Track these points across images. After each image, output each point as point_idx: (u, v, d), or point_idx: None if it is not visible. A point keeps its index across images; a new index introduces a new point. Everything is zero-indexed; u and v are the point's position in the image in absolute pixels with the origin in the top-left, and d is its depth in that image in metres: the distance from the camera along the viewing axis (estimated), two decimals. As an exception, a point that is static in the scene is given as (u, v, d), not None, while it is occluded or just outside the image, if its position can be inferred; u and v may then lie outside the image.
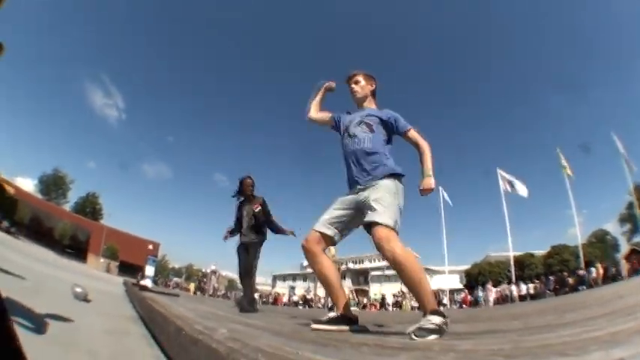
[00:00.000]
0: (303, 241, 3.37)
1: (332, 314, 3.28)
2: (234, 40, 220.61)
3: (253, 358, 1.35)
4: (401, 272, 2.80)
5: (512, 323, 3.42)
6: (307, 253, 3.37)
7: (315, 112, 4.19)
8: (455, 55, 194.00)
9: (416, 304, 28.36)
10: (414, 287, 2.79)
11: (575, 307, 4.59)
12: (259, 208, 7.74)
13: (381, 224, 2.92)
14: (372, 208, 3.05)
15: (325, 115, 4.11)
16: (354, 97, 3.89)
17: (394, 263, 2.80)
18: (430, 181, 3.33)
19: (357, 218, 3.35)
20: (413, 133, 3.57)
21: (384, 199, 3.06)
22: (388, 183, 3.21)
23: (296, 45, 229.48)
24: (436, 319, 2.42)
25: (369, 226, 3.05)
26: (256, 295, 40.59)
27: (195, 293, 34.79)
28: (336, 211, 3.41)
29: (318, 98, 4.24)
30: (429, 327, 2.37)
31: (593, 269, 26.10)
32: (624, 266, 24.75)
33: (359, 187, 3.33)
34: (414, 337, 2.31)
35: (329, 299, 25.78)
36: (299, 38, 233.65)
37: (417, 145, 3.54)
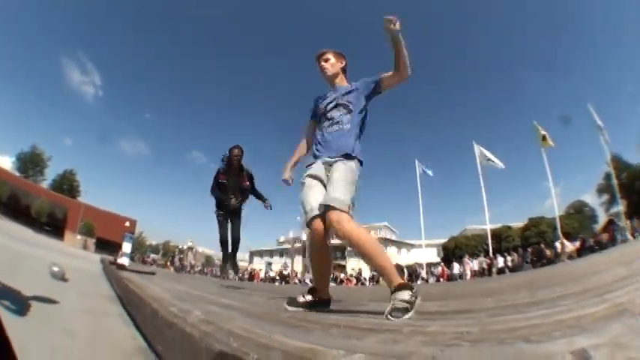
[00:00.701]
0: (313, 226, 3.13)
1: (309, 297, 3.31)
2: (210, 15, 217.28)
3: (225, 342, 1.38)
4: (358, 251, 2.82)
5: (484, 301, 3.48)
6: (317, 240, 3.17)
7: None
8: (430, 30, 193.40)
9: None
10: (375, 266, 2.83)
11: (549, 283, 4.69)
12: (248, 184, 7.77)
13: (333, 208, 2.91)
14: (330, 190, 3.05)
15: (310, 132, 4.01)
16: (325, 76, 3.85)
17: (349, 243, 2.82)
18: None
19: None
20: (384, 74, 3.54)
21: (344, 179, 3.09)
22: (351, 164, 3.25)
23: (272, 21, 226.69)
24: (405, 295, 2.48)
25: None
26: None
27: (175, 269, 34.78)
28: (321, 188, 3.30)
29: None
30: (401, 306, 2.42)
31: (557, 244, 26.62)
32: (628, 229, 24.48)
33: (324, 160, 3.38)
34: (390, 318, 2.36)
35: (305, 276, 26.03)
36: (275, 13, 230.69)
37: (394, 73, 3.47)
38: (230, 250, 7.77)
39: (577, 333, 1.31)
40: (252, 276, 44.02)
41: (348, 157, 3.29)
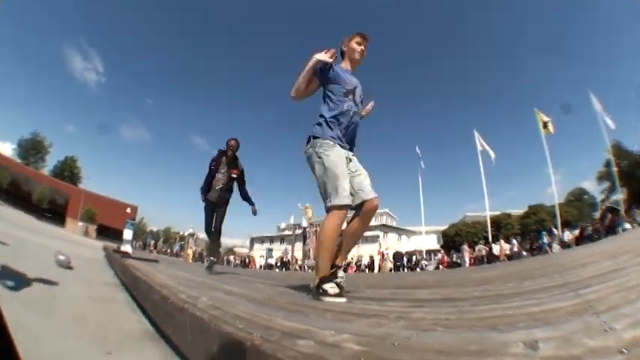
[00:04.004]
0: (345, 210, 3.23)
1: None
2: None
3: (233, 324, 1.58)
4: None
5: (473, 290, 3.60)
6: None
7: (297, 91, 3.76)
8: (431, 18, 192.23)
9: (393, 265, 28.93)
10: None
11: (537, 274, 4.77)
12: (237, 174, 8.00)
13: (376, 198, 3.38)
14: (368, 182, 3.43)
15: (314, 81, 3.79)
16: (360, 59, 3.91)
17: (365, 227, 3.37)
18: None
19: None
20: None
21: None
22: None
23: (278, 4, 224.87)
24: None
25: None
26: (231, 258, 40.62)
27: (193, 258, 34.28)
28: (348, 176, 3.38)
29: (307, 76, 3.68)
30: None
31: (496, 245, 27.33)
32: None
33: (349, 151, 3.62)
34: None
35: (305, 262, 26.03)
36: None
37: None
38: (211, 239, 8.10)
39: (539, 325, 1.49)
40: (247, 263, 43.28)
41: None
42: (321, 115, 3.57)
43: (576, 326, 1.44)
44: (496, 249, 26.97)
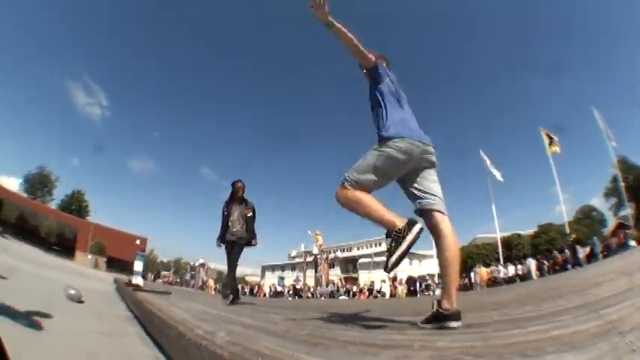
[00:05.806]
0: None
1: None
2: (215, 31, 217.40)
3: (254, 361, 1.54)
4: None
5: (491, 315, 3.55)
6: None
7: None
8: (431, 36, 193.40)
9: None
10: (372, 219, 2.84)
11: (554, 295, 4.71)
12: (251, 214, 8.43)
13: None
14: None
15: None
16: None
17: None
18: None
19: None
20: None
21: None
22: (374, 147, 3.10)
23: (283, 35, 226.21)
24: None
25: None
26: (239, 286, 41.13)
27: (215, 289, 34.26)
28: None
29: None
30: None
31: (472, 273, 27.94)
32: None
33: None
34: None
35: (317, 290, 25.44)
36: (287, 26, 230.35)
37: None
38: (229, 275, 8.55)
39: (567, 350, 1.46)
40: (256, 290, 42.91)
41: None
42: None
43: (604, 348, 1.42)
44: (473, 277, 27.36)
